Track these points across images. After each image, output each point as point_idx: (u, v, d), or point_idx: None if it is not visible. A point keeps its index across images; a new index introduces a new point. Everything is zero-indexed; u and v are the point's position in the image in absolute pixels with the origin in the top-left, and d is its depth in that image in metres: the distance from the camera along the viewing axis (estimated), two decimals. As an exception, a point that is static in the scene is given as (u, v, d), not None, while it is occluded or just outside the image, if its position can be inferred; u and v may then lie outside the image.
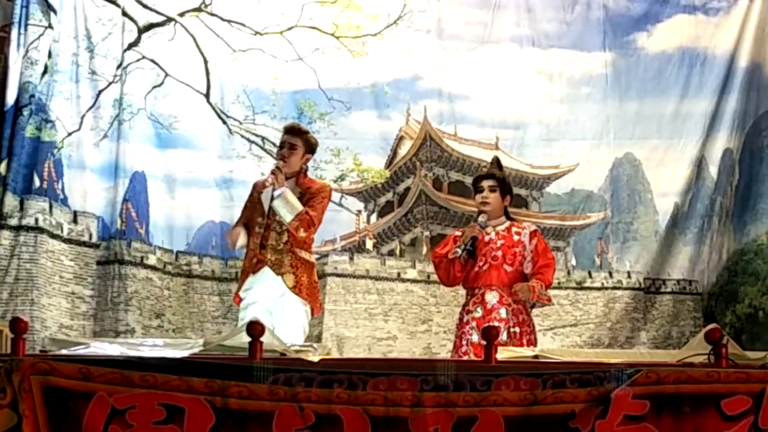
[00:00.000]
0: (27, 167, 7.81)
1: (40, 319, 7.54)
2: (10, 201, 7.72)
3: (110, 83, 8.09)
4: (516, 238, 5.74)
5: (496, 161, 6.06)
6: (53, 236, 7.79)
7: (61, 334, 7.42)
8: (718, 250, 8.46)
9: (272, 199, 5.72)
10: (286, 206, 5.67)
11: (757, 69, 8.44)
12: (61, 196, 7.90)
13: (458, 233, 5.86)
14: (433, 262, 5.94)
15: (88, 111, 8.00)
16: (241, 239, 5.89)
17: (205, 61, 8.28)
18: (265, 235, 5.79)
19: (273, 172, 5.75)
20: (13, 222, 7.70)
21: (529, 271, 5.73)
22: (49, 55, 7.94)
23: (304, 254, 5.79)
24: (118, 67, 8.12)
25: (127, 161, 8.09)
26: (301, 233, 5.71)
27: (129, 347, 3.88)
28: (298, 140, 5.89)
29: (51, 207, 7.83)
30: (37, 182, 7.83)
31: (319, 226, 5.85)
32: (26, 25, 7.88)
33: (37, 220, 7.76)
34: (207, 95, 8.29)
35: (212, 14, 8.30)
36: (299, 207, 5.68)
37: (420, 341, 8.21)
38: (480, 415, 3.48)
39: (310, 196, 5.81)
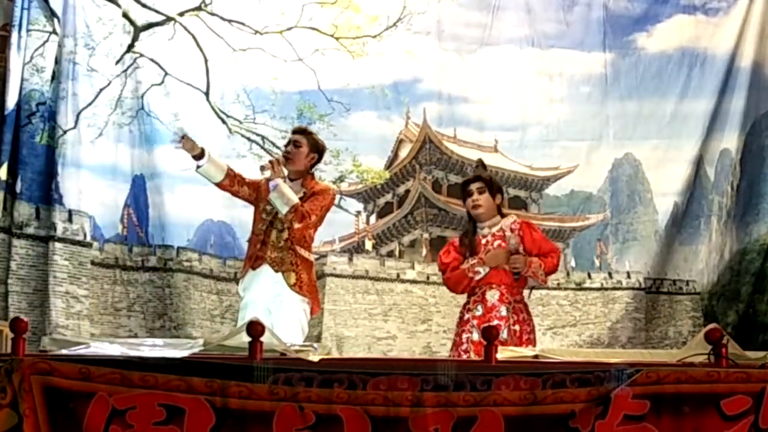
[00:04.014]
0: (42, 175, 7.83)
1: (43, 324, 7.58)
2: (25, 209, 7.74)
3: (110, 82, 8.09)
4: (509, 236, 5.75)
5: (481, 163, 6.07)
6: (48, 238, 7.80)
7: (57, 334, 7.42)
8: (719, 249, 8.46)
9: (268, 191, 5.73)
10: (281, 198, 5.68)
11: (757, 69, 8.44)
12: (55, 196, 7.89)
13: (457, 240, 5.88)
14: (440, 268, 5.96)
15: (85, 108, 7.99)
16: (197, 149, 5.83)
17: (205, 60, 8.28)
18: (267, 232, 5.79)
19: (270, 161, 5.76)
20: (30, 231, 7.74)
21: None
22: (56, 62, 7.96)
23: (303, 252, 5.80)
24: (117, 62, 8.11)
25: (126, 164, 8.09)
26: (295, 225, 5.71)
27: (129, 347, 3.88)
28: (302, 138, 5.92)
29: (39, 212, 7.84)
30: (51, 192, 7.84)
31: (318, 223, 5.85)
32: (28, 29, 7.88)
33: (48, 230, 7.78)
34: (207, 94, 8.29)
35: (212, 14, 8.30)
36: (294, 199, 5.69)
37: (420, 341, 8.21)
38: (480, 415, 3.48)
39: (314, 196, 5.82)
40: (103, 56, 8.11)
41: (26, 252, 7.72)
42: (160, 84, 8.21)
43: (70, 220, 7.89)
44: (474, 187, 5.77)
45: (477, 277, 5.68)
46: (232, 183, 5.93)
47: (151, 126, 8.17)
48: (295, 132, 6.03)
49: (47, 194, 7.83)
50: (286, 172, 5.80)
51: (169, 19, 8.25)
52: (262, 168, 5.78)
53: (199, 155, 5.81)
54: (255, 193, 5.93)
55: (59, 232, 7.83)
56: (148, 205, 8.13)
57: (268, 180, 5.80)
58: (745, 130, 8.49)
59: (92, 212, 7.95)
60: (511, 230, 5.75)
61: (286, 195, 5.68)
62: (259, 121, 8.35)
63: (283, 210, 5.68)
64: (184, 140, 5.81)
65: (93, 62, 8.07)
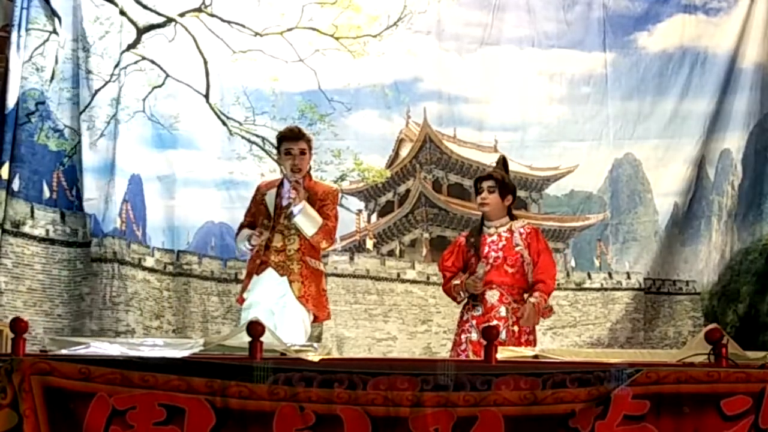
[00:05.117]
0: (38, 175, 7.85)
1: (53, 330, 7.60)
2: (22, 208, 7.76)
3: (107, 82, 8.09)
4: (516, 238, 5.78)
5: (502, 161, 6.09)
6: (68, 244, 7.84)
7: (67, 335, 7.43)
8: (719, 249, 8.45)
9: (292, 214, 5.67)
10: (309, 221, 5.65)
11: (759, 69, 8.43)
12: (76, 203, 7.94)
13: (462, 239, 5.93)
14: (441, 272, 6.04)
15: (84, 110, 8.00)
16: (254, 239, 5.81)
17: (205, 62, 8.27)
18: (270, 237, 5.77)
19: (294, 188, 5.67)
20: (26, 229, 7.74)
21: (530, 274, 5.76)
22: (56, 61, 7.97)
23: (313, 263, 5.79)
24: (116, 66, 8.11)
25: (124, 161, 8.08)
26: (324, 245, 5.75)
27: (129, 347, 3.88)
28: (305, 144, 5.83)
29: (64, 217, 7.88)
30: (47, 192, 7.87)
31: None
32: (27, 28, 7.89)
33: (48, 231, 7.82)
34: (206, 96, 8.28)
35: (212, 15, 8.29)
36: (320, 219, 5.66)
37: (420, 341, 8.21)
38: (480, 415, 3.48)
39: (321, 203, 5.77)
40: (98, 57, 8.10)
41: (22, 251, 7.73)
42: (161, 86, 8.21)
43: (72, 220, 7.91)
44: (485, 185, 5.82)
45: (459, 300, 5.79)
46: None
47: (152, 129, 8.17)
48: (292, 138, 5.83)
49: (44, 194, 7.85)
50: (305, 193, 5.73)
51: (169, 20, 8.24)
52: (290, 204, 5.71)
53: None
54: (257, 214, 5.91)
55: (63, 235, 7.86)
56: (146, 206, 8.13)
57: (266, 185, 5.83)
58: (747, 129, 8.47)
59: (92, 208, 7.95)
60: (520, 234, 5.78)
61: (312, 216, 5.65)
62: (260, 122, 8.33)
63: (310, 232, 5.66)
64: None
65: (90, 63, 8.07)
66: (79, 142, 7.97)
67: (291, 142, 5.83)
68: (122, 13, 8.14)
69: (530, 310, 5.63)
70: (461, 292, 5.79)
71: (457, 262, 5.86)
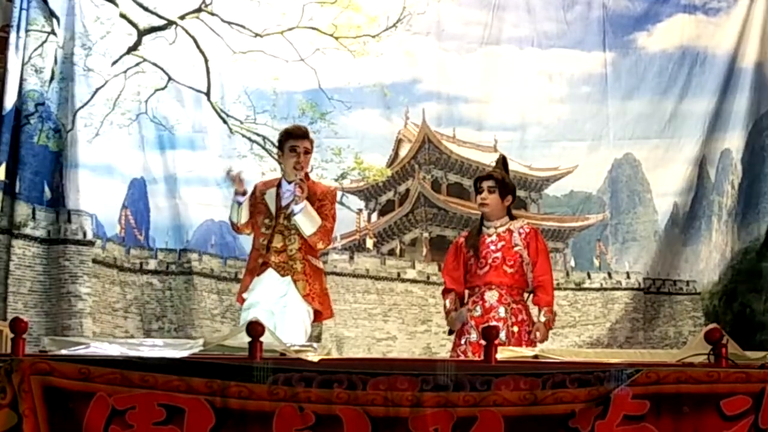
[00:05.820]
0: (39, 176, 7.85)
1: (53, 331, 7.60)
2: (24, 210, 7.77)
3: (106, 81, 8.10)
4: (515, 238, 5.78)
5: (502, 161, 6.09)
6: (65, 243, 7.84)
7: (60, 334, 7.43)
8: (719, 249, 8.46)
9: (292, 213, 5.66)
10: (309, 220, 5.65)
11: (758, 69, 8.43)
12: (55, 196, 7.95)
13: (461, 239, 5.94)
14: (443, 276, 6.09)
15: (81, 108, 8.00)
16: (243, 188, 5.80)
17: (206, 61, 8.28)
18: (270, 237, 5.77)
19: (299, 185, 5.67)
20: (27, 231, 7.75)
21: (529, 274, 5.77)
22: (55, 62, 7.97)
23: (315, 261, 5.80)
24: (113, 65, 8.11)
25: (125, 165, 8.09)
26: (320, 245, 5.75)
27: (129, 347, 3.88)
28: (309, 144, 5.84)
29: (58, 216, 7.89)
30: (48, 193, 7.87)
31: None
32: (27, 29, 7.89)
33: (49, 232, 7.85)
34: (207, 94, 8.29)
35: (212, 14, 8.29)
36: (319, 220, 5.67)
37: (419, 342, 8.21)
38: (480, 415, 3.48)
39: (319, 203, 5.77)
40: (99, 56, 8.10)
41: (23, 252, 7.74)
42: (163, 89, 8.21)
43: (69, 220, 7.91)
44: (485, 185, 5.82)
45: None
46: (248, 226, 5.90)
47: (154, 130, 8.17)
48: (297, 136, 5.83)
49: (45, 195, 7.85)
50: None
51: (170, 23, 8.24)
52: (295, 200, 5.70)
53: (243, 193, 5.78)
54: (255, 212, 5.90)
55: (62, 234, 7.86)
56: (149, 209, 8.13)
57: (264, 184, 5.83)
58: (747, 129, 8.48)
59: (92, 211, 7.96)
60: (519, 234, 5.79)
61: (312, 216, 5.65)
62: (260, 121, 8.35)
63: (309, 232, 5.65)
64: (237, 179, 5.78)
65: (90, 62, 8.07)
66: (65, 135, 7.95)
67: (297, 140, 5.82)
68: (122, 15, 8.14)
69: (543, 330, 5.68)
70: (446, 315, 5.88)
71: (459, 265, 5.86)
